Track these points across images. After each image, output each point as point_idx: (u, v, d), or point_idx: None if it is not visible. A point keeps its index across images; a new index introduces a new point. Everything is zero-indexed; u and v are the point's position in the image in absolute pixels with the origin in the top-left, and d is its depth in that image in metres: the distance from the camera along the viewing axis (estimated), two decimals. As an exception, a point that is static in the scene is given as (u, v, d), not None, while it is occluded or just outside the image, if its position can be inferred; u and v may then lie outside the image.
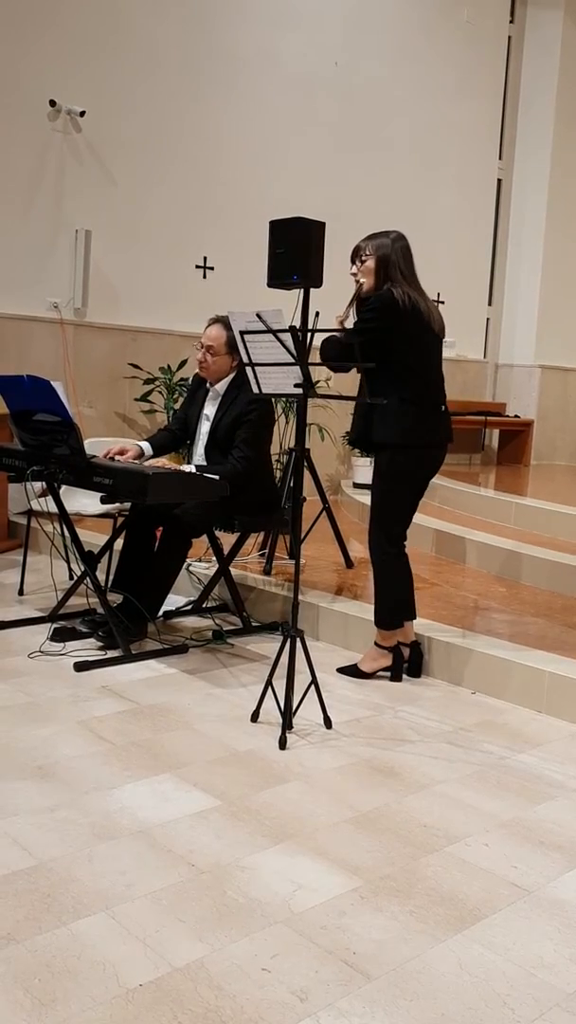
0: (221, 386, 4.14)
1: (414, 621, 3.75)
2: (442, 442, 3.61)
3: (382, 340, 3.38)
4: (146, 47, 6.68)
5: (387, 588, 3.63)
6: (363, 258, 3.48)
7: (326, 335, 3.44)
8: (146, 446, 4.16)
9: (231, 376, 4.12)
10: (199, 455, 4.18)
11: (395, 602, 3.64)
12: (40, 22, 6.17)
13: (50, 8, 6.20)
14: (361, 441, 3.64)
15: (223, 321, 4.04)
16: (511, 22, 9.11)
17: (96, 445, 4.59)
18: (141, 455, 4.10)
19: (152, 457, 4.15)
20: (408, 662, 3.69)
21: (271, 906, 2.06)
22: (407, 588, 3.67)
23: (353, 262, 3.53)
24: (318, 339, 3.32)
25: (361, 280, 3.49)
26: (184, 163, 6.97)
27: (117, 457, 3.99)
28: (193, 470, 3.91)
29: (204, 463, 4.08)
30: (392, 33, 8.08)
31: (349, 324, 3.51)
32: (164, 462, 4.05)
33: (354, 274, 3.52)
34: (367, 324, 3.39)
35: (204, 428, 4.19)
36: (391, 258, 3.44)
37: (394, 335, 3.40)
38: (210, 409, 4.18)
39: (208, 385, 4.19)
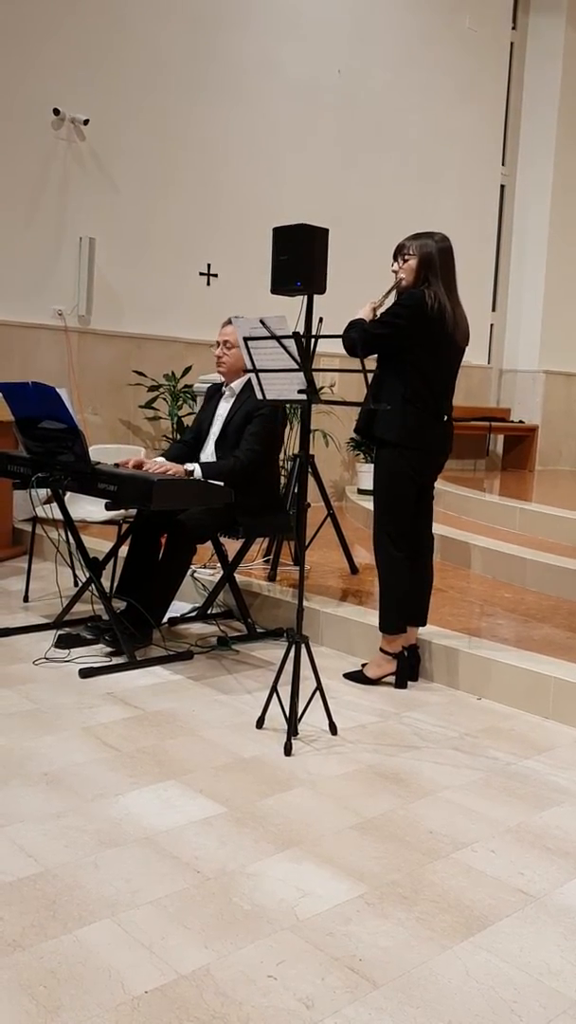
0: (237, 384, 4.19)
1: (420, 628, 3.75)
2: (441, 450, 3.63)
3: (400, 337, 3.43)
4: (149, 55, 6.70)
5: (389, 593, 3.63)
6: (406, 256, 3.52)
7: (354, 318, 3.52)
8: (162, 460, 4.14)
9: (248, 376, 4.13)
10: (208, 455, 4.19)
11: (397, 608, 3.63)
12: (43, 31, 6.20)
13: (53, 17, 6.23)
14: (365, 431, 3.68)
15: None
16: (513, 29, 9.13)
17: (101, 452, 4.61)
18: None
19: None
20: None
21: (277, 913, 2.06)
22: (412, 594, 3.66)
23: (396, 259, 3.58)
24: (324, 343, 3.33)
25: (402, 276, 3.54)
26: (187, 170, 6.99)
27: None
28: (197, 468, 3.91)
29: (213, 460, 4.08)
30: (394, 41, 8.10)
31: (381, 311, 3.57)
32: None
33: (395, 271, 3.57)
34: (392, 318, 3.45)
35: (216, 427, 4.22)
36: (433, 260, 3.49)
37: (413, 336, 3.44)
38: (224, 408, 4.22)
39: (224, 386, 4.23)
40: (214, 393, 4.35)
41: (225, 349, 4.18)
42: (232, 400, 4.19)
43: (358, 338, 3.41)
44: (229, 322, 4.16)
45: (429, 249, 3.50)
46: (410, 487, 3.59)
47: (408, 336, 3.44)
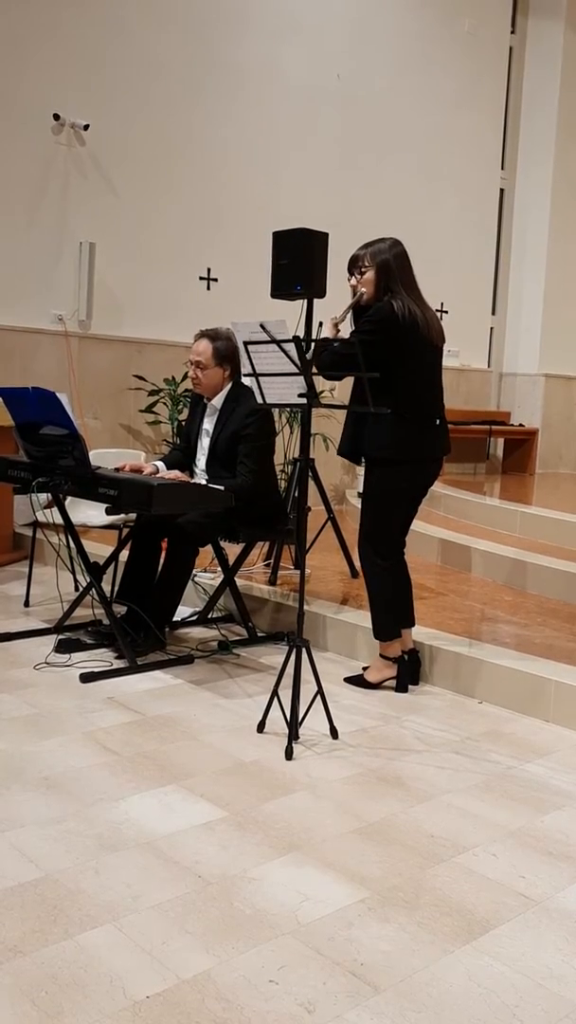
0: (218, 400, 4.15)
1: (413, 629, 3.75)
2: (435, 456, 3.60)
3: (374, 352, 3.32)
4: (149, 60, 6.72)
5: (379, 601, 3.63)
6: (362, 269, 3.47)
7: (321, 344, 3.43)
8: (161, 466, 4.17)
9: (226, 389, 4.13)
10: (199, 469, 4.19)
11: (388, 614, 3.63)
12: (43, 36, 6.21)
13: (53, 22, 6.24)
14: (350, 452, 3.64)
15: (208, 334, 4.09)
16: (512, 32, 9.15)
17: (101, 456, 4.61)
18: (156, 473, 4.10)
19: None
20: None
21: (278, 917, 2.06)
22: (399, 599, 3.65)
23: (351, 272, 3.51)
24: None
25: (362, 291, 3.48)
26: (187, 175, 7.00)
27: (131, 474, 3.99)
28: (204, 482, 3.93)
29: (206, 478, 4.09)
30: (394, 44, 8.12)
31: (344, 327, 3.51)
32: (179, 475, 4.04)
33: (353, 285, 3.51)
34: (362, 335, 3.35)
35: (204, 443, 4.20)
36: (390, 267, 3.43)
37: (389, 348, 3.38)
38: (209, 424, 4.19)
39: (205, 400, 4.21)
40: (198, 401, 4.31)
41: (199, 371, 4.10)
42: (215, 417, 4.16)
43: (329, 361, 3.35)
44: (202, 335, 4.11)
45: (384, 256, 3.43)
46: (402, 503, 3.57)
47: (382, 350, 3.34)
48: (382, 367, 3.31)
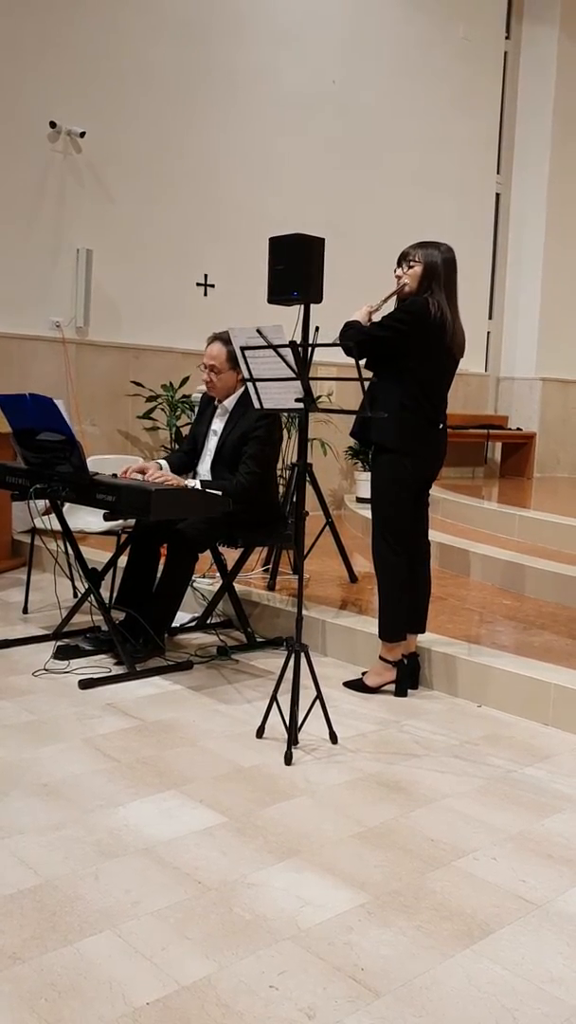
0: (229, 402, 4.16)
1: (419, 635, 3.75)
2: (436, 455, 3.65)
3: (400, 341, 3.45)
4: (145, 67, 6.74)
5: (390, 598, 3.63)
6: (411, 263, 3.54)
7: (353, 319, 3.53)
8: (166, 465, 4.18)
9: (239, 392, 4.13)
10: (204, 470, 4.18)
11: (397, 613, 3.63)
12: (40, 44, 6.23)
13: (50, 30, 6.26)
14: (359, 434, 3.71)
15: (222, 337, 4.08)
16: (507, 38, 9.18)
17: (99, 463, 4.61)
18: (160, 472, 4.09)
19: None
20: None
21: (278, 923, 2.05)
22: (412, 601, 3.66)
23: (399, 264, 3.59)
24: (321, 352, 3.34)
25: (405, 282, 3.55)
26: (184, 181, 7.02)
27: (136, 475, 3.98)
28: (198, 485, 3.92)
29: (209, 478, 4.09)
30: (389, 50, 8.14)
31: (377, 316, 3.58)
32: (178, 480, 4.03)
33: (399, 276, 3.57)
34: (394, 322, 3.47)
35: (211, 444, 4.20)
36: (437, 269, 3.50)
37: (412, 342, 3.46)
38: (218, 425, 4.20)
39: (217, 402, 4.22)
40: (208, 404, 4.32)
41: (213, 375, 4.10)
42: (225, 418, 4.16)
43: (356, 339, 3.42)
44: (215, 339, 4.12)
45: (434, 259, 3.51)
46: (408, 492, 3.60)
47: (407, 341, 3.45)
48: (400, 359, 3.44)
